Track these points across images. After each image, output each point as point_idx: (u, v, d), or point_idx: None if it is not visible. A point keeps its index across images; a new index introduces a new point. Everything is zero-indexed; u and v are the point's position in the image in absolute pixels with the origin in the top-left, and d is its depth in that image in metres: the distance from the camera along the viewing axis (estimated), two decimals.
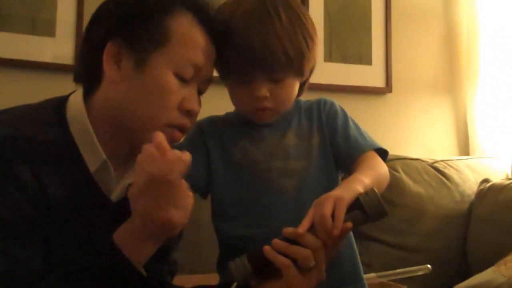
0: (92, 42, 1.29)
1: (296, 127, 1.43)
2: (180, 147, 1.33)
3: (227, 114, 1.48)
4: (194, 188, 1.34)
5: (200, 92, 1.34)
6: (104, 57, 1.25)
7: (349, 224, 1.14)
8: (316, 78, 2.99)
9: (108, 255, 1.16)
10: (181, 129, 1.30)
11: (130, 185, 1.32)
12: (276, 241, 1.16)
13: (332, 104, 1.49)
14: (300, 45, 1.33)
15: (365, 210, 1.14)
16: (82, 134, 1.27)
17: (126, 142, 1.32)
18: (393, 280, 1.20)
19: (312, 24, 1.39)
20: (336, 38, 2.96)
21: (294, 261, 1.15)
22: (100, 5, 1.33)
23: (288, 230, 1.16)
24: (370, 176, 1.26)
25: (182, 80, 1.27)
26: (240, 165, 1.39)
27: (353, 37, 3.01)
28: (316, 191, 1.32)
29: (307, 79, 1.46)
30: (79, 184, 1.26)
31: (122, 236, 1.17)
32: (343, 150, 1.41)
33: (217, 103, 1.51)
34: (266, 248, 1.16)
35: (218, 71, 1.39)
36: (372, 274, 1.19)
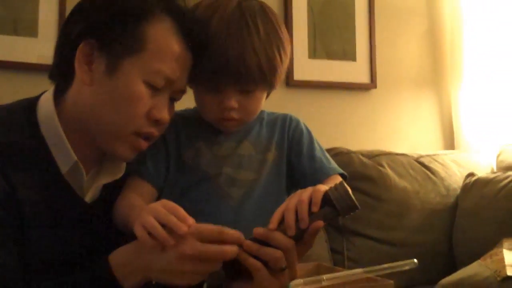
0: (66, 38, 1.27)
1: (255, 137, 1.42)
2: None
3: (186, 110, 1.45)
4: (156, 187, 1.34)
5: (173, 100, 1.32)
6: (76, 57, 1.23)
7: (320, 223, 1.13)
8: (301, 74, 3.00)
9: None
10: (147, 137, 1.28)
11: (105, 185, 1.32)
12: (247, 242, 1.13)
13: (298, 123, 1.47)
14: (274, 59, 1.31)
15: (334, 205, 1.13)
16: (53, 136, 1.25)
17: (97, 144, 1.30)
18: (379, 275, 1.19)
19: (287, 36, 1.37)
20: (320, 35, 2.96)
21: (266, 262, 1.13)
22: (79, 2, 1.30)
23: (259, 231, 1.14)
24: None
25: (153, 88, 1.24)
26: (190, 165, 1.37)
27: (337, 33, 3.01)
28: (260, 204, 1.33)
29: (271, 91, 1.43)
30: (51, 186, 1.24)
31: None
32: (307, 171, 1.40)
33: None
34: (238, 250, 1.13)
35: (188, 75, 1.35)
36: (359, 270, 1.19)
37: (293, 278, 1.17)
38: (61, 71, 1.30)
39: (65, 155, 1.25)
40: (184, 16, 1.29)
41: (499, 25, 3.08)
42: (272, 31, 1.32)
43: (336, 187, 1.14)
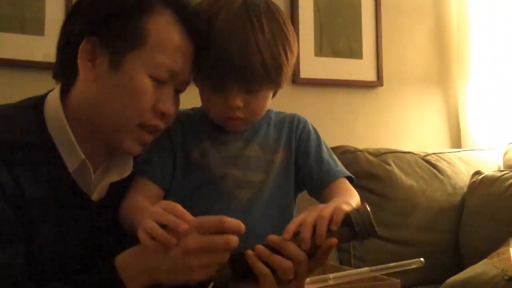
0: (68, 37, 1.27)
1: (262, 138, 1.40)
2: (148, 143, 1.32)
3: (193, 109, 1.45)
4: (162, 187, 1.33)
5: (178, 92, 1.32)
6: (79, 54, 1.23)
7: (334, 240, 1.11)
8: (307, 72, 2.99)
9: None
10: (153, 130, 1.29)
11: (112, 183, 1.31)
12: (259, 247, 1.12)
13: (305, 124, 1.46)
14: (280, 58, 1.30)
15: (354, 227, 1.11)
16: (60, 134, 1.26)
17: (104, 141, 1.30)
18: (386, 274, 1.19)
19: (293, 34, 1.36)
20: (327, 33, 2.95)
21: (274, 270, 1.12)
22: (77, 1, 1.31)
23: (273, 238, 1.12)
24: (354, 203, 1.25)
25: (158, 81, 1.25)
26: (197, 166, 1.35)
27: (343, 31, 3.00)
28: (268, 207, 1.32)
29: (277, 90, 1.41)
30: (58, 185, 1.25)
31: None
32: (315, 173, 1.39)
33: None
34: (249, 253, 1.12)
35: (193, 73, 1.34)
36: (365, 269, 1.18)
37: None
38: (64, 70, 1.30)
39: (72, 153, 1.26)
40: (184, 7, 1.29)
41: (506, 22, 3.07)
42: (277, 28, 1.31)
43: (358, 210, 1.13)
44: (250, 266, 1.12)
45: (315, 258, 1.14)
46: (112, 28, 1.23)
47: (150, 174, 1.33)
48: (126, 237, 1.21)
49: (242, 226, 1.11)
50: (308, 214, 1.14)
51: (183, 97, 1.36)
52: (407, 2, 3.20)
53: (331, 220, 1.12)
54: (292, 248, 1.11)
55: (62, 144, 1.26)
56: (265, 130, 1.42)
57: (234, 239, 1.09)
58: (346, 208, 1.14)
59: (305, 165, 1.40)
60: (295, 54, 1.36)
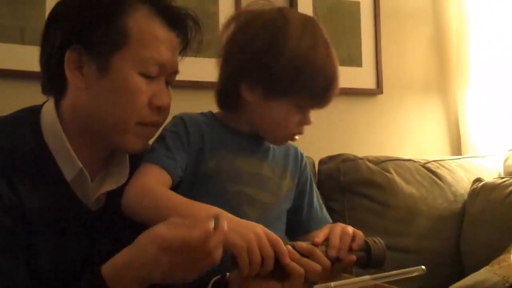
0: (50, 49, 1.28)
1: (271, 160, 1.42)
2: (168, 139, 1.32)
3: (203, 114, 1.43)
4: (174, 179, 1.30)
5: (168, 83, 1.33)
6: (65, 65, 1.24)
7: (353, 257, 1.20)
8: None
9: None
10: (153, 125, 1.31)
11: (109, 193, 1.32)
12: (290, 249, 1.17)
13: (307, 163, 1.51)
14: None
15: (370, 253, 1.20)
16: (57, 143, 1.26)
17: (100, 148, 1.31)
18: (387, 282, 1.19)
19: None
20: None
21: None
22: (53, 8, 1.31)
23: (302, 245, 1.19)
24: None
25: (148, 77, 1.26)
26: (210, 175, 1.34)
27: (343, 39, 3.00)
28: (271, 229, 1.33)
29: None
30: (56, 194, 1.25)
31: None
32: (303, 215, 1.46)
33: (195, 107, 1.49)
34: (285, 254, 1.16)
35: (267, 86, 1.32)
36: (367, 277, 1.18)
37: None
38: (53, 84, 1.30)
39: (69, 163, 1.26)
40: (158, 0, 1.31)
41: (505, 29, 3.07)
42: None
43: (375, 241, 1.23)
44: (280, 265, 1.16)
45: (331, 272, 1.21)
46: (92, 33, 1.24)
47: (163, 162, 1.29)
48: (123, 246, 1.20)
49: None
50: (333, 227, 1.24)
51: (186, 100, 1.36)
52: (407, 9, 3.21)
53: (353, 239, 1.22)
54: (320, 254, 1.19)
55: (59, 154, 1.26)
56: (272, 153, 1.43)
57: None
58: (361, 233, 1.25)
59: (297, 204, 1.46)
60: None
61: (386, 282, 1.19)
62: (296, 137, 1.38)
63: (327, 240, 1.22)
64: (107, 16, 1.24)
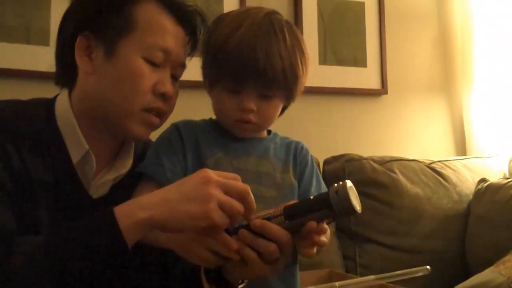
0: (64, 39, 1.34)
1: (272, 157, 1.43)
2: (159, 146, 1.36)
3: (203, 120, 1.47)
4: (161, 179, 1.31)
5: (175, 77, 1.38)
6: (76, 51, 1.31)
7: (313, 223, 1.12)
8: (311, 81, 2.99)
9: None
10: (158, 113, 1.34)
11: (114, 185, 1.36)
12: (243, 232, 1.14)
13: (307, 153, 1.50)
14: (297, 69, 1.35)
15: (332, 208, 1.12)
16: (68, 129, 1.32)
17: (108, 138, 1.36)
18: (392, 282, 1.19)
19: (308, 54, 1.41)
20: (331, 41, 2.96)
21: (259, 253, 1.14)
22: (69, 5, 1.38)
23: (256, 223, 1.14)
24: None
25: (153, 64, 1.31)
26: None
27: (348, 39, 3.01)
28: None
29: (288, 104, 1.47)
30: (61, 175, 1.29)
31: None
32: (311, 194, 1.43)
33: (197, 108, 1.49)
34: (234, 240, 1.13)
35: (207, 76, 1.39)
36: (371, 277, 1.18)
37: (287, 263, 1.22)
38: (66, 72, 1.36)
39: (77, 145, 1.31)
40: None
41: (510, 30, 3.07)
42: (296, 43, 1.36)
43: (337, 191, 1.13)
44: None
45: (301, 235, 1.16)
46: (102, 21, 1.30)
47: (160, 176, 1.32)
48: None
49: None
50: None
51: (190, 104, 1.36)
52: (411, 10, 3.21)
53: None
54: (275, 230, 1.14)
55: (69, 137, 1.31)
56: (273, 150, 1.45)
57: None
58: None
59: (302, 191, 1.44)
60: (308, 72, 1.41)
61: (391, 282, 1.19)
62: (247, 124, 1.36)
63: (286, 208, 1.17)
64: (118, 5, 1.31)
